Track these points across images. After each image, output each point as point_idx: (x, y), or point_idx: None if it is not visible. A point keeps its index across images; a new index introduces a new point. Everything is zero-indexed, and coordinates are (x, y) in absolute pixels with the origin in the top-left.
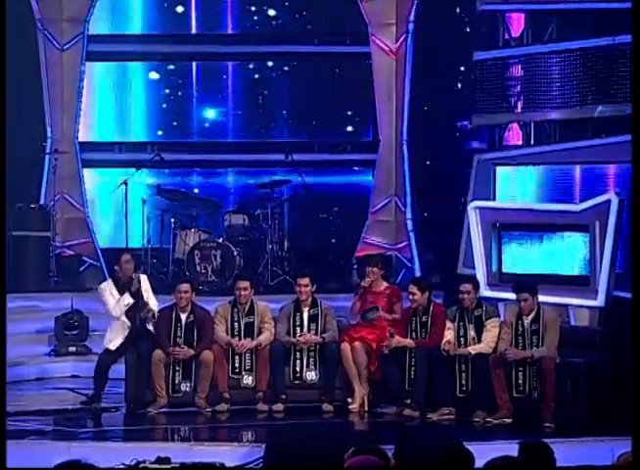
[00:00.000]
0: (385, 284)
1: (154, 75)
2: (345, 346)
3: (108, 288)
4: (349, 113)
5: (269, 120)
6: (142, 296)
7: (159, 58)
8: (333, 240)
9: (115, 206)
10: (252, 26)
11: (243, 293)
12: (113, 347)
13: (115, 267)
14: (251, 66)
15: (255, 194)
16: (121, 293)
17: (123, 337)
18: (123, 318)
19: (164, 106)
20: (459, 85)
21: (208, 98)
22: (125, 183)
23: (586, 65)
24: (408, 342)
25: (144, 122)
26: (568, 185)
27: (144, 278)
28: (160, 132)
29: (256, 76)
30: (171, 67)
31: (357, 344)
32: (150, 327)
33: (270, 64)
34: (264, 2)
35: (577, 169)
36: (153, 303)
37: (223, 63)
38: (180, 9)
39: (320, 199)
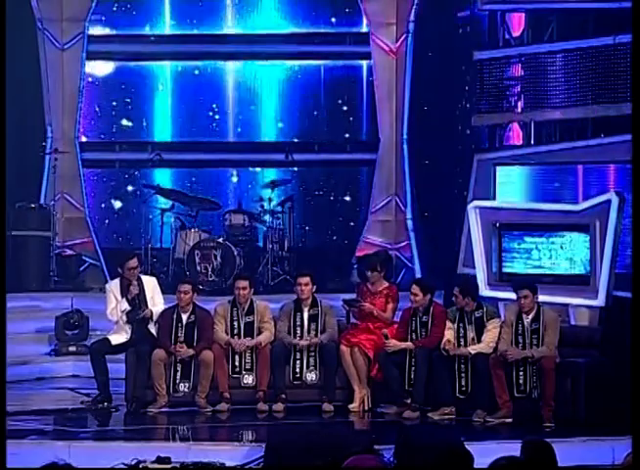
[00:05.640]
0: (385, 284)
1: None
2: (344, 349)
3: (112, 289)
4: (349, 112)
5: (269, 120)
6: (143, 300)
7: (158, 57)
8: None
9: (116, 206)
10: (252, 26)
11: (242, 292)
12: (113, 340)
13: (119, 269)
14: (251, 65)
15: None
16: (122, 296)
17: (126, 337)
18: (124, 319)
19: (163, 104)
20: (459, 85)
21: (208, 97)
22: (126, 183)
23: (586, 64)
24: (405, 345)
25: (143, 122)
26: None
27: (152, 280)
28: (159, 132)
29: (257, 76)
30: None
31: (357, 349)
32: (151, 328)
33: (270, 63)
34: (264, 1)
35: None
36: (158, 305)
37: (222, 62)
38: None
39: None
